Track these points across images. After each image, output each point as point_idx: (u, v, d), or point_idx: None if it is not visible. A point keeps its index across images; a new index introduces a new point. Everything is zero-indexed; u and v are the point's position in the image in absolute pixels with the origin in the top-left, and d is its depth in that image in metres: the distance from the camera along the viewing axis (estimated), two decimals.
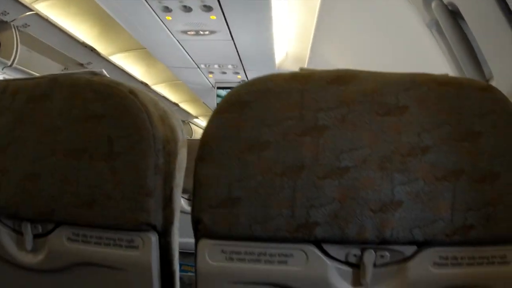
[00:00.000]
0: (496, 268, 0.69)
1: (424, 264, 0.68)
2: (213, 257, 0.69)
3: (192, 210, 0.68)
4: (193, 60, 3.91)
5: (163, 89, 5.93)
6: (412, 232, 0.66)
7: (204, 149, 0.68)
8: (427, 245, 0.68)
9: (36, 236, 0.80)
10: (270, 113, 0.67)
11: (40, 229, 0.79)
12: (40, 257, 0.80)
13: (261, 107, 0.67)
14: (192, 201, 0.68)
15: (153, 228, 0.74)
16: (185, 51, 3.60)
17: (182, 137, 0.86)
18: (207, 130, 0.68)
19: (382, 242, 0.67)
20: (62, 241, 0.77)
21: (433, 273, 0.68)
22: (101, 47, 3.87)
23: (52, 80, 0.78)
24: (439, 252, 0.68)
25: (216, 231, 0.67)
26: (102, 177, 0.73)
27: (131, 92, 0.74)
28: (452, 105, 0.68)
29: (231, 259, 0.68)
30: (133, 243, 0.74)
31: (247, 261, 0.68)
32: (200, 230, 0.69)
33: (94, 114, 0.74)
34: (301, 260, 0.68)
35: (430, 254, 0.68)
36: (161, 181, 0.74)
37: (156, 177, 0.73)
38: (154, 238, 0.74)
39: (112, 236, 0.74)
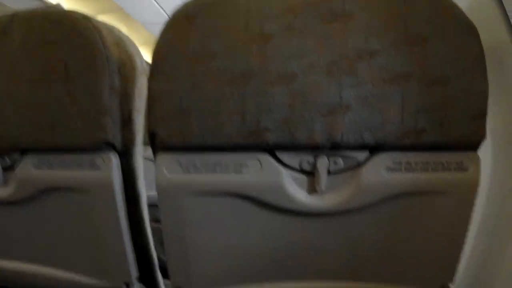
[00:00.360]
0: (453, 174, 0.71)
1: (377, 169, 0.70)
2: (170, 170, 0.70)
3: (148, 125, 0.70)
4: (168, 15, 3.81)
5: (144, 52, 5.80)
6: (362, 136, 0.68)
7: (155, 64, 0.68)
8: (379, 149, 0.70)
9: (5, 169, 0.83)
10: (217, 24, 0.67)
11: (8, 161, 0.82)
12: (10, 189, 0.83)
13: (208, 19, 0.67)
14: (147, 116, 0.70)
15: (113, 147, 0.75)
16: (158, 4, 3.52)
17: (141, 65, 0.86)
18: (157, 46, 0.69)
19: (333, 147, 0.69)
20: (29, 169, 0.80)
21: (387, 178, 0.71)
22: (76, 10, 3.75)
23: (12, 16, 0.80)
24: (392, 157, 0.70)
25: (171, 144, 0.69)
26: (61, 100, 0.75)
27: (85, 17, 0.76)
28: (400, 11, 0.67)
29: (188, 171, 0.70)
30: (94, 164, 0.76)
31: (203, 172, 0.70)
32: (156, 144, 0.70)
33: (51, 41, 0.75)
34: (256, 168, 0.70)
35: (383, 159, 0.70)
36: (117, 101, 0.75)
37: (111, 97, 0.74)
38: (114, 157, 0.76)
39: (75, 159, 0.77)
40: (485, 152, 0.88)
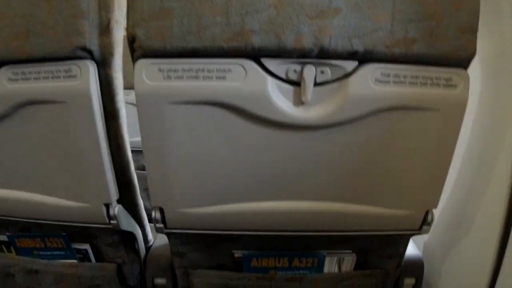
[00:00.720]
0: (442, 90, 0.70)
1: (365, 80, 0.68)
2: (150, 77, 0.67)
3: (127, 27, 0.66)
4: None
5: None
6: (351, 42, 0.65)
7: None
8: (368, 60, 0.68)
9: None
10: None
11: None
12: None
13: None
14: (126, 17, 0.66)
15: (90, 54, 0.71)
16: None
17: None
18: None
19: (321, 53, 0.66)
20: (3, 83, 0.75)
21: (375, 89, 0.69)
22: None
23: None
24: (380, 68, 0.68)
25: (151, 47, 0.65)
26: (37, 5, 0.70)
27: None
28: None
29: (169, 78, 0.67)
30: (71, 73, 0.72)
31: (185, 79, 0.67)
32: (136, 49, 0.67)
33: None
34: (240, 75, 0.67)
35: (371, 70, 0.68)
36: (96, 6, 0.71)
37: (89, 1, 0.70)
38: (91, 66, 0.72)
39: (50, 69, 0.73)
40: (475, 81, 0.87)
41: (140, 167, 1.08)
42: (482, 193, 0.89)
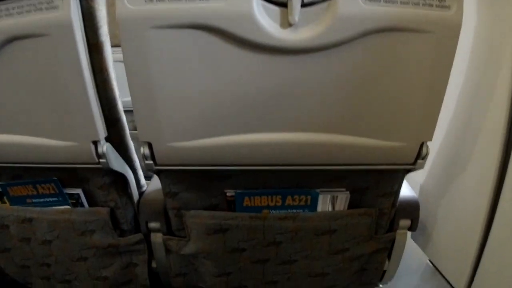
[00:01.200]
0: (435, 11, 0.67)
1: None
2: (131, 0, 0.65)
3: None
4: None
5: None
6: None
7: None
8: None
9: None
10: None
11: None
12: None
13: None
14: None
15: None
16: None
17: None
18: None
19: None
20: None
21: (365, 9, 0.66)
22: None
23: None
24: None
25: None
26: None
27: None
28: None
29: (151, 0, 0.65)
30: (52, 4, 0.70)
31: (167, 1, 0.65)
32: None
33: None
34: None
35: None
36: None
37: None
38: None
39: (33, 1, 0.71)
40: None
41: (135, 128, 1.07)
42: (478, 133, 0.87)
